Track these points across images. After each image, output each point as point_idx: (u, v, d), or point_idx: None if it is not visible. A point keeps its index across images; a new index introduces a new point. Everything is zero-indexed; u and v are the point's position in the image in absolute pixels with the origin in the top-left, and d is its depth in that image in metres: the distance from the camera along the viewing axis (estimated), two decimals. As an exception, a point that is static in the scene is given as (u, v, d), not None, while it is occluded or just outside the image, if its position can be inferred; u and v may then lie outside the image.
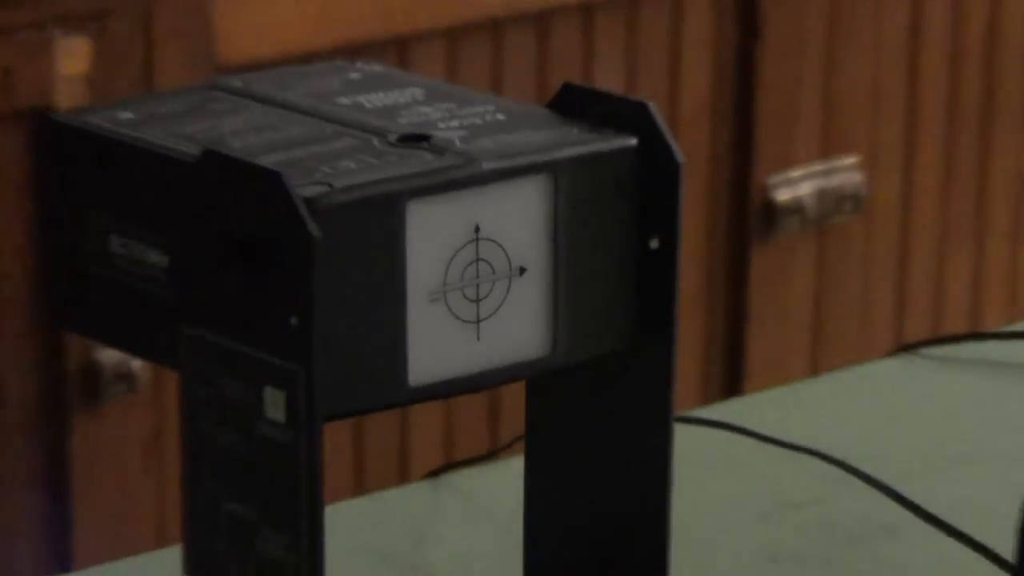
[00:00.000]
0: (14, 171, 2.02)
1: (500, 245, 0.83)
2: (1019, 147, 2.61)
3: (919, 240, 2.56)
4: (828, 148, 2.46)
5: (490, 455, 1.15)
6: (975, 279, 2.63)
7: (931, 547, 1.07)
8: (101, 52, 2.08)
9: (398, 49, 2.21)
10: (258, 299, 0.80)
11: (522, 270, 0.83)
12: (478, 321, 0.83)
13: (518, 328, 0.84)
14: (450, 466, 1.14)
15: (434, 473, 1.14)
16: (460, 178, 0.82)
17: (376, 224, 0.80)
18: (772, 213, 2.43)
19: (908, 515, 1.08)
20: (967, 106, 2.57)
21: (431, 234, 0.82)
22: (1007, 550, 0.79)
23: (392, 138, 0.84)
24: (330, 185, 0.80)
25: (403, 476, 2.21)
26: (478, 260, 0.82)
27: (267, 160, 0.80)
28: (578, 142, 0.85)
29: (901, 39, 2.51)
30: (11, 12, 2.00)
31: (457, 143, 0.83)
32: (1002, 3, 2.59)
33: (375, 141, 0.83)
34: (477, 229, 0.82)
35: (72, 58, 2.06)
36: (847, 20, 2.46)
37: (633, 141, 0.85)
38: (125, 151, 0.85)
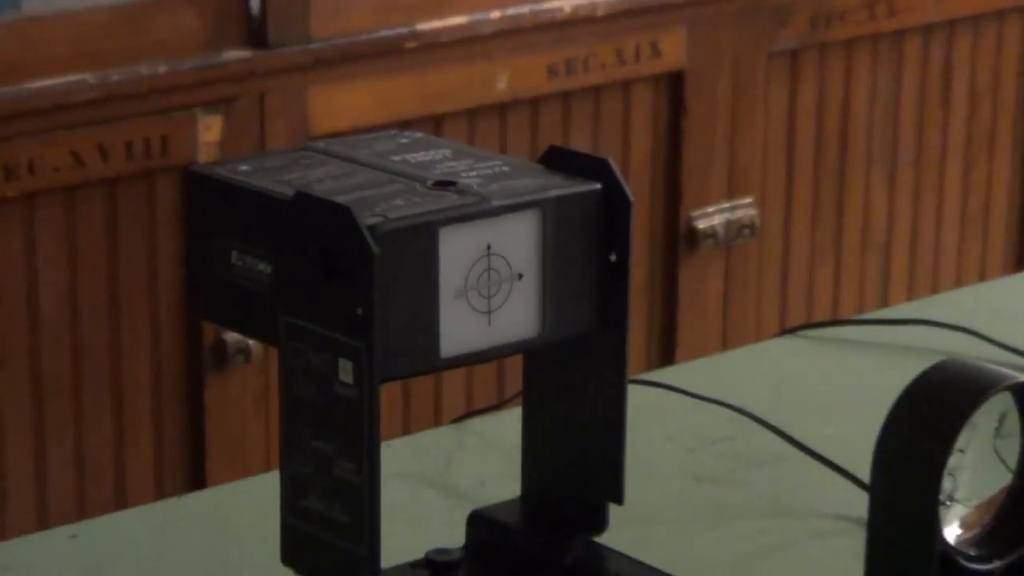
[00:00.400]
0: (171, 207, 2.02)
1: (505, 259, 0.82)
2: (865, 189, 2.61)
3: (795, 256, 2.56)
4: (732, 192, 2.46)
5: (498, 406, 1.15)
6: (836, 283, 2.62)
7: (808, 471, 1.06)
8: (229, 125, 2.08)
9: (434, 123, 2.20)
10: (334, 296, 0.79)
11: (520, 276, 0.83)
12: (489, 312, 0.82)
13: (517, 317, 0.83)
14: (469, 414, 1.14)
15: (458, 419, 1.13)
16: (476, 212, 0.81)
17: (417, 244, 0.80)
18: (694, 237, 2.42)
19: (791, 448, 1.07)
20: (829, 161, 2.56)
21: (456, 251, 0.81)
22: (864, 474, 0.77)
23: (428, 184, 0.83)
24: (385, 216, 0.79)
25: (436, 421, 2.20)
26: (489, 269, 0.82)
27: (341, 199, 0.80)
28: (560, 186, 0.84)
29: (782, 115, 2.50)
30: (169, 98, 2.00)
31: (475, 187, 0.83)
32: (853, 91, 2.58)
33: (417, 186, 0.83)
34: (489, 247, 0.82)
35: (209, 130, 2.05)
36: (745, 103, 2.45)
37: (598, 186, 0.84)
38: (242, 193, 0.84)
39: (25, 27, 1.96)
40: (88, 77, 1.97)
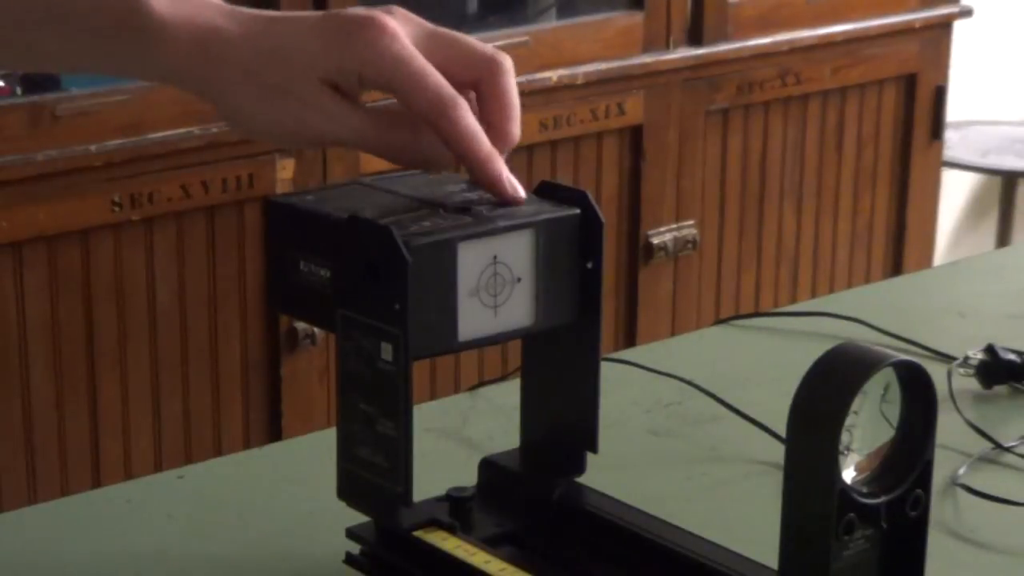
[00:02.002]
0: (255, 228, 2.01)
1: (507, 266, 0.81)
2: (779, 214, 2.60)
3: (727, 265, 2.55)
4: (679, 216, 2.46)
5: (503, 378, 1.14)
6: (757, 285, 2.61)
7: (738, 428, 1.04)
8: (299, 167, 2.07)
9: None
10: (377, 295, 0.78)
11: (519, 279, 0.82)
12: (495, 307, 0.81)
13: (517, 310, 0.82)
14: (480, 384, 1.13)
15: (472, 388, 1.12)
16: (486, 230, 0.80)
17: (440, 255, 0.79)
18: (650, 250, 2.42)
19: (725, 410, 1.06)
20: (752, 193, 2.56)
21: (470, 261, 0.80)
22: (781, 430, 0.76)
23: (449, 209, 0.82)
24: (416, 234, 0.78)
25: (456, 389, 2.19)
26: (496, 274, 0.81)
27: (383, 221, 0.79)
28: (549, 211, 0.83)
29: (717, 159, 2.50)
30: (254, 145, 1.99)
31: (485, 212, 0.82)
32: (769, 141, 2.58)
33: (440, 211, 0.82)
34: (495, 257, 0.81)
35: (284, 169, 2.05)
36: (688, 150, 2.45)
37: (578, 211, 0.83)
38: (309, 216, 0.83)
39: (147, 92, 1.95)
40: (194, 130, 1.97)
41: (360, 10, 0.83)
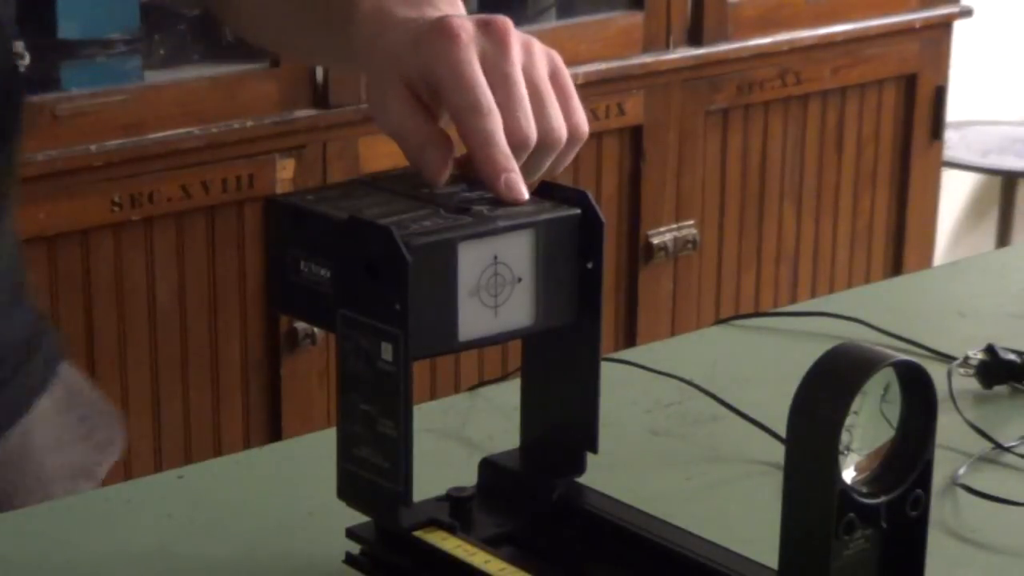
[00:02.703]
0: (256, 228, 2.00)
1: (508, 266, 0.81)
2: (779, 214, 2.60)
3: (727, 265, 2.55)
4: (679, 216, 2.46)
5: (503, 378, 1.14)
6: (757, 285, 2.61)
7: (738, 428, 1.04)
8: (300, 166, 2.07)
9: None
10: (378, 295, 0.78)
11: (519, 279, 0.81)
12: (496, 307, 0.81)
13: (517, 310, 0.82)
14: (481, 384, 1.13)
15: (472, 388, 1.12)
16: (486, 230, 0.80)
17: (441, 255, 0.78)
18: (650, 250, 2.42)
19: (725, 410, 1.06)
20: (752, 193, 2.56)
21: (470, 261, 0.80)
22: (781, 430, 0.76)
23: (449, 209, 0.82)
24: (416, 234, 0.78)
25: (456, 389, 2.19)
26: (496, 274, 0.81)
27: (383, 221, 0.79)
28: (549, 211, 0.83)
29: (716, 159, 2.50)
30: (254, 146, 2.00)
31: (485, 212, 0.82)
32: (769, 140, 2.58)
33: (440, 211, 0.82)
34: (495, 257, 0.80)
35: (284, 169, 2.05)
36: (688, 150, 2.45)
37: (578, 211, 0.83)
38: (309, 216, 0.83)
39: (147, 93, 1.95)
40: (194, 130, 1.97)
41: (454, 17, 0.87)
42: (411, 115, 0.86)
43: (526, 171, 0.85)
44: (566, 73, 0.89)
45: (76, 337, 1.92)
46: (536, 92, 0.86)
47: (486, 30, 0.86)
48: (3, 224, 1.05)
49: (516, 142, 0.85)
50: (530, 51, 0.87)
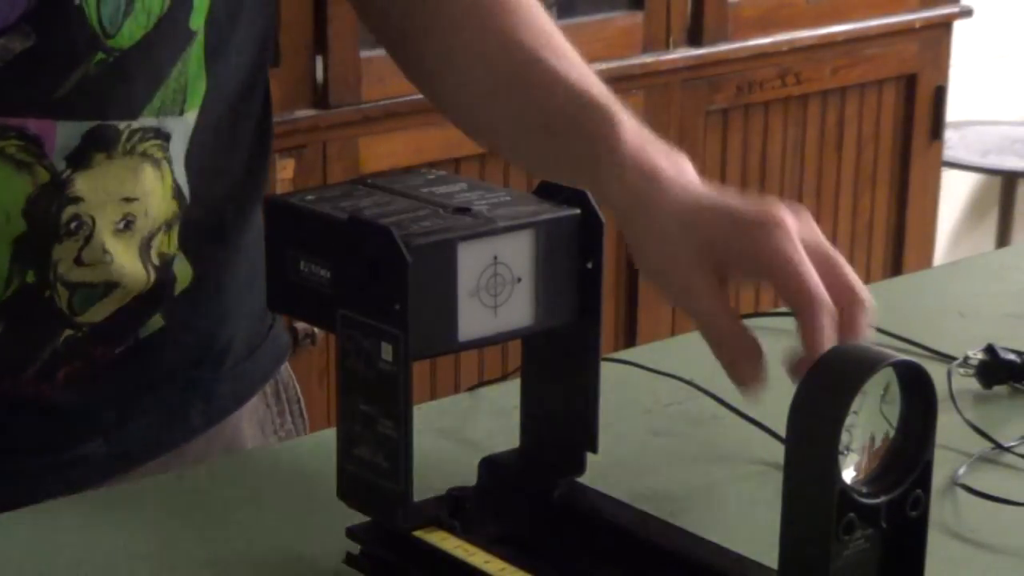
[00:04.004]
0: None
1: (508, 266, 0.81)
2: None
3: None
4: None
5: (502, 378, 1.14)
6: (757, 284, 2.61)
7: (738, 428, 1.04)
8: (299, 166, 2.07)
9: (454, 164, 2.20)
10: (378, 295, 0.78)
11: (519, 279, 0.81)
12: (496, 307, 0.81)
13: (517, 310, 0.82)
14: (481, 384, 1.12)
15: (472, 388, 1.12)
16: (486, 231, 0.80)
17: (441, 256, 0.78)
18: (650, 250, 2.42)
19: (725, 410, 1.06)
20: (751, 193, 2.56)
21: (470, 261, 0.80)
22: (781, 430, 0.76)
23: (450, 210, 0.82)
24: (416, 235, 0.78)
25: (456, 389, 2.19)
26: (496, 274, 0.81)
27: (383, 221, 0.79)
28: (549, 211, 0.83)
29: (716, 158, 2.50)
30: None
31: (485, 212, 0.82)
32: (769, 141, 2.58)
33: (440, 211, 0.82)
34: (495, 258, 0.80)
35: (285, 169, 2.05)
36: (688, 150, 2.45)
37: (578, 211, 0.83)
38: (309, 216, 0.83)
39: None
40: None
41: (763, 205, 0.92)
42: (724, 313, 0.92)
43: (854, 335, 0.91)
44: None
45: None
46: (832, 260, 0.94)
47: (797, 215, 0.93)
48: (256, 203, 1.09)
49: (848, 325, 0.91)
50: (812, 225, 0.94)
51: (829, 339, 0.87)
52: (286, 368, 1.19)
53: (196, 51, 0.98)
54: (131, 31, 0.94)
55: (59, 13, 0.91)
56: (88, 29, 0.92)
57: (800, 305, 0.89)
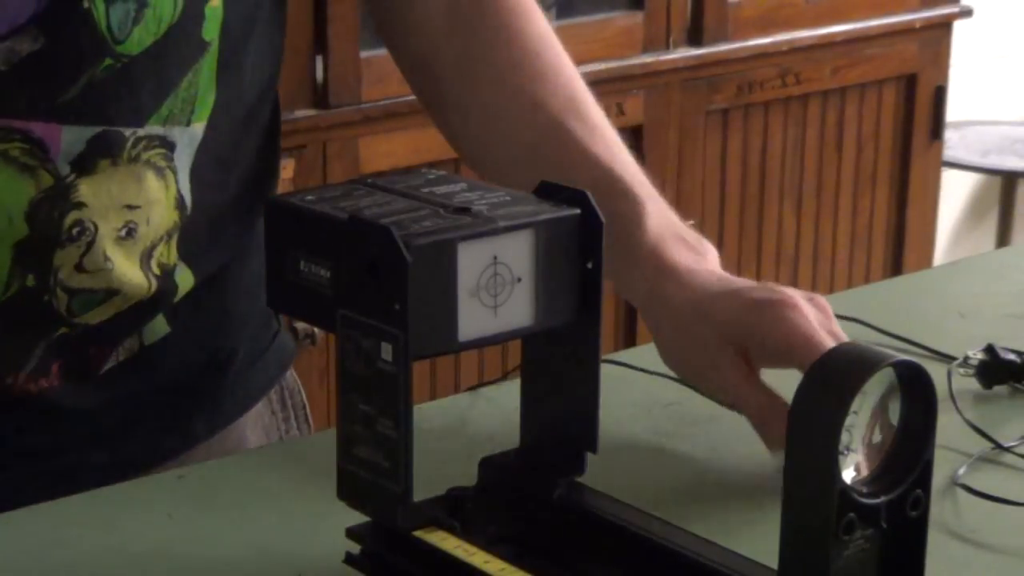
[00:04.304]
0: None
1: (508, 266, 0.81)
2: (778, 214, 2.60)
3: (726, 266, 2.55)
4: (679, 215, 2.45)
5: (502, 378, 1.14)
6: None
7: (737, 428, 1.04)
8: (300, 166, 2.07)
9: (454, 164, 2.20)
10: (377, 295, 0.78)
11: (519, 279, 0.81)
12: (495, 307, 0.81)
13: (517, 311, 0.81)
14: (481, 384, 1.12)
15: (472, 388, 1.12)
16: (486, 230, 0.80)
17: (441, 256, 0.78)
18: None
19: (724, 411, 1.06)
20: (751, 193, 2.56)
21: (470, 261, 0.79)
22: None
23: (450, 210, 0.82)
24: (416, 234, 0.78)
25: (455, 389, 2.19)
26: (496, 274, 0.80)
27: (383, 220, 0.78)
28: (549, 211, 0.83)
29: (716, 159, 2.50)
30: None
31: (485, 212, 0.81)
32: (769, 140, 2.58)
33: (440, 211, 0.81)
34: (495, 258, 0.80)
35: (284, 169, 2.05)
36: (688, 150, 2.45)
37: (578, 211, 0.83)
38: (309, 216, 0.82)
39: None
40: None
41: (778, 290, 0.96)
42: (750, 384, 0.95)
43: None
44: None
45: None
46: None
47: (811, 302, 0.96)
48: (261, 213, 1.09)
49: None
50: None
51: None
52: (291, 374, 1.19)
53: (208, 62, 0.98)
54: (140, 38, 0.94)
55: (68, 16, 0.91)
56: (97, 34, 0.92)
57: None
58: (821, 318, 0.95)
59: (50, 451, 1.02)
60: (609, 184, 1.01)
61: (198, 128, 0.99)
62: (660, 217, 1.02)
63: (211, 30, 0.97)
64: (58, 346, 0.99)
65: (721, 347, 0.96)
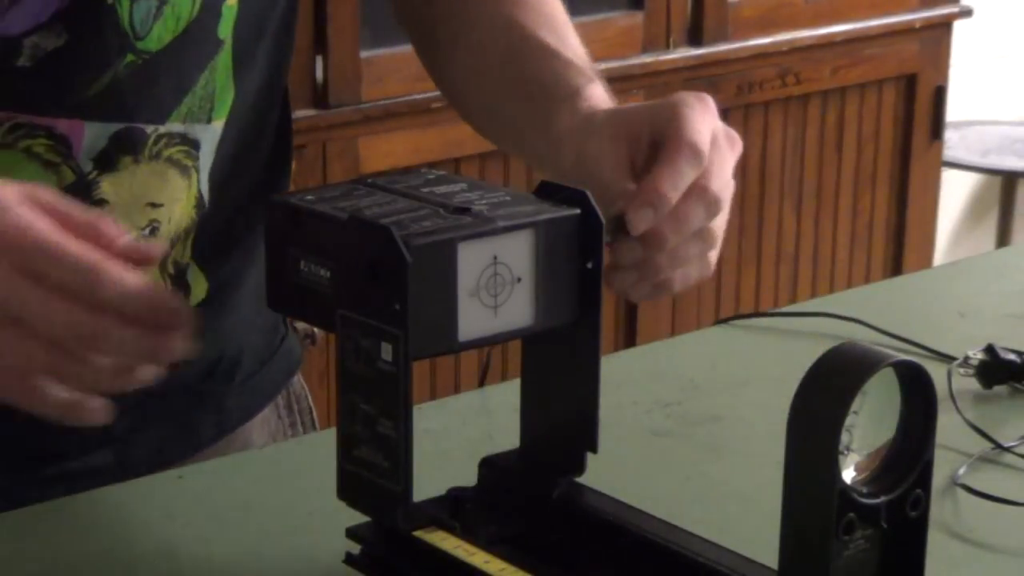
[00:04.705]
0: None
1: (507, 266, 0.81)
2: (779, 214, 2.60)
3: (727, 264, 2.55)
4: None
5: (502, 378, 1.14)
6: (757, 285, 2.61)
7: (738, 428, 1.05)
8: (300, 166, 2.07)
9: (454, 164, 2.20)
10: (377, 295, 0.78)
11: (519, 279, 0.81)
12: (496, 307, 0.81)
13: (517, 310, 0.82)
14: (481, 384, 1.13)
15: (472, 388, 1.12)
16: (486, 230, 0.80)
17: (441, 255, 0.78)
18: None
19: (725, 410, 1.06)
20: (752, 192, 2.56)
21: (470, 261, 0.79)
22: (782, 431, 0.76)
23: (449, 209, 0.82)
24: (416, 234, 0.78)
25: (456, 389, 2.19)
26: (496, 274, 0.81)
27: (383, 221, 0.78)
28: (549, 211, 0.83)
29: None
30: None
31: (485, 212, 0.82)
32: (769, 140, 2.58)
33: (440, 211, 0.82)
34: (495, 258, 0.80)
35: (285, 169, 2.05)
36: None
37: (578, 211, 0.83)
38: (309, 216, 0.82)
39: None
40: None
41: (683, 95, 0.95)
42: (623, 174, 0.92)
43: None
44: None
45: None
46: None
47: (726, 134, 0.95)
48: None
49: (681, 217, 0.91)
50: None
51: (677, 187, 0.89)
52: (298, 379, 1.19)
53: (224, 60, 0.98)
54: (160, 35, 0.94)
55: (92, 13, 0.91)
56: (120, 30, 0.92)
57: (680, 148, 0.90)
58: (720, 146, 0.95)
59: (57, 455, 1.02)
60: (564, 71, 1.01)
61: (218, 126, 0.99)
62: (604, 96, 1.01)
63: (225, 28, 0.98)
64: None
65: (615, 137, 0.94)
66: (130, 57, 0.93)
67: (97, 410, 0.81)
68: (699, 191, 0.91)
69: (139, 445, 1.04)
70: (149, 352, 0.79)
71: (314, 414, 1.20)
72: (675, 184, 0.89)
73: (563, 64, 1.01)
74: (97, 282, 0.77)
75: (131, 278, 0.78)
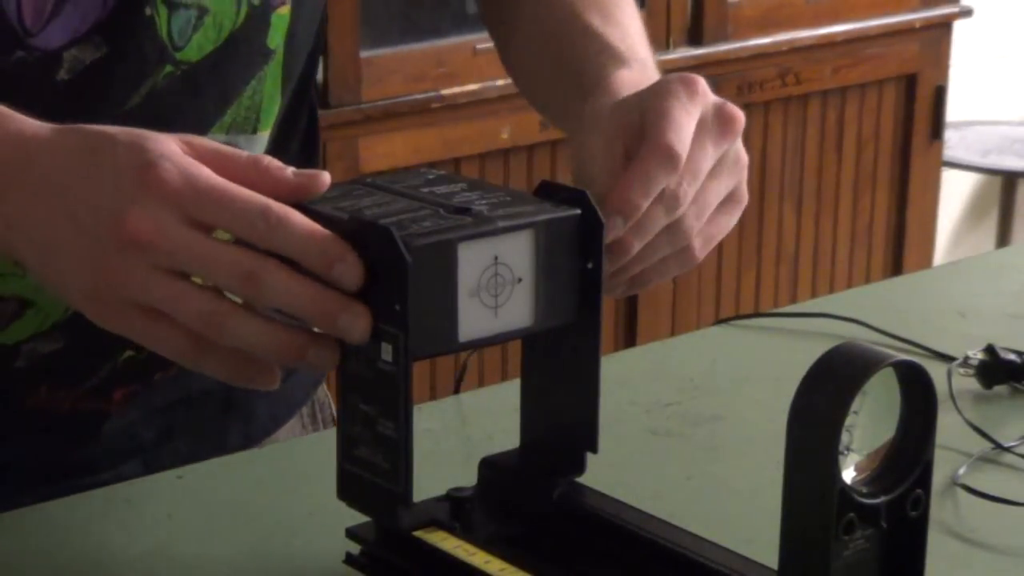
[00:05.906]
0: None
1: (508, 266, 0.81)
2: (779, 214, 2.60)
3: (727, 264, 2.56)
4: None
5: (502, 378, 1.14)
6: (757, 285, 2.62)
7: (738, 427, 1.05)
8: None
9: (454, 164, 2.20)
10: (378, 296, 0.77)
11: (519, 279, 0.81)
12: (496, 307, 0.81)
13: (517, 311, 0.81)
14: (481, 384, 1.12)
15: (472, 388, 1.12)
16: (486, 231, 0.80)
17: (441, 256, 0.78)
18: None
19: (724, 410, 1.06)
20: (751, 192, 2.56)
21: (470, 261, 0.79)
22: (782, 431, 0.76)
23: (449, 210, 0.81)
24: (416, 235, 0.78)
25: (456, 389, 2.19)
26: (496, 275, 0.80)
27: (383, 221, 0.78)
28: (549, 211, 0.82)
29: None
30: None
31: (485, 212, 0.81)
32: (769, 140, 2.58)
33: (440, 211, 0.81)
34: (496, 258, 0.80)
35: (284, 169, 2.04)
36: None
37: (578, 211, 0.83)
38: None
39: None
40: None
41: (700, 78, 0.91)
42: (614, 167, 0.89)
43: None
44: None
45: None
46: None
47: (718, 115, 0.90)
48: None
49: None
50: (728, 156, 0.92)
51: (648, 194, 0.86)
52: (323, 388, 1.19)
53: (273, 70, 0.98)
54: (200, 45, 0.93)
55: (131, 24, 0.91)
56: (158, 41, 0.92)
57: (654, 152, 0.87)
58: (713, 127, 0.91)
59: (88, 467, 1.01)
60: (604, 52, 0.98)
61: (264, 136, 0.98)
62: (639, 76, 0.97)
63: (276, 38, 0.97)
64: (123, 369, 0.99)
65: (611, 132, 0.91)
66: (169, 68, 0.92)
67: (268, 372, 0.78)
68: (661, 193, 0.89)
69: (167, 454, 1.03)
70: (320, 312, 0.76)
71: (334, 413, 1.20)
72: (646, 191, 0.86)
73: (597, 50, 0.98)
74: (266, 226, 0.75)
75: (300, 217, 0.76)
